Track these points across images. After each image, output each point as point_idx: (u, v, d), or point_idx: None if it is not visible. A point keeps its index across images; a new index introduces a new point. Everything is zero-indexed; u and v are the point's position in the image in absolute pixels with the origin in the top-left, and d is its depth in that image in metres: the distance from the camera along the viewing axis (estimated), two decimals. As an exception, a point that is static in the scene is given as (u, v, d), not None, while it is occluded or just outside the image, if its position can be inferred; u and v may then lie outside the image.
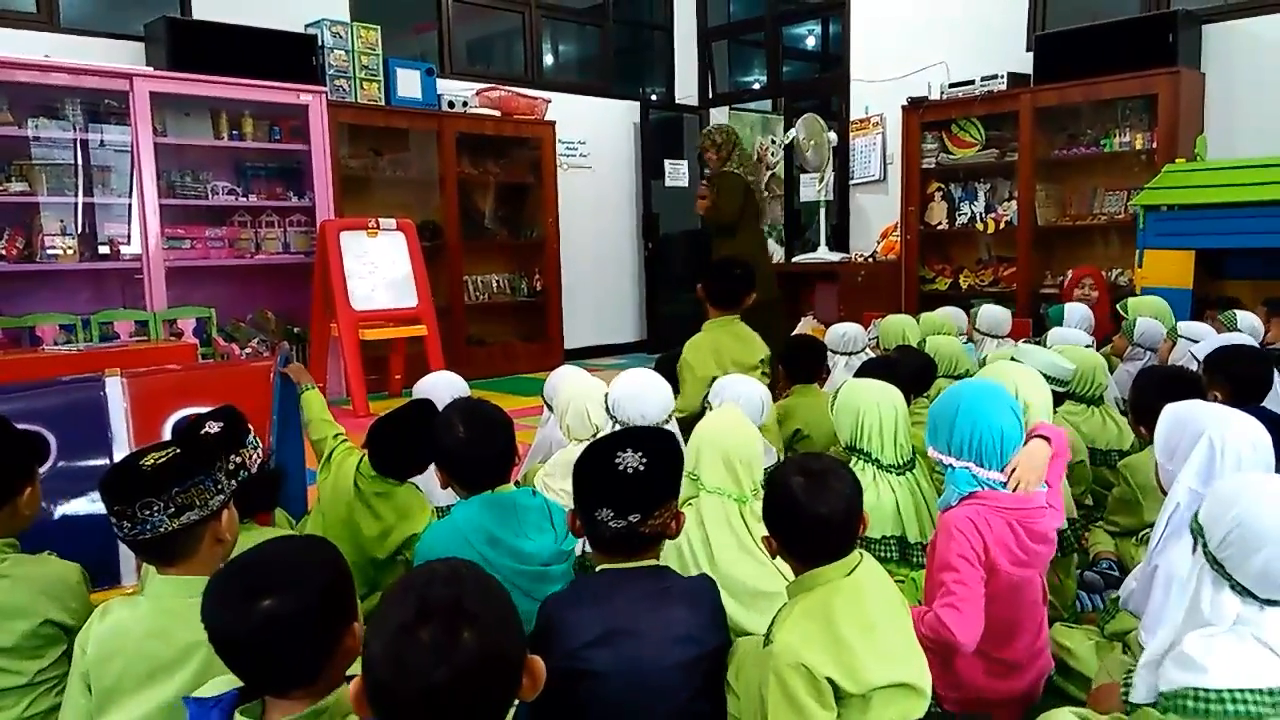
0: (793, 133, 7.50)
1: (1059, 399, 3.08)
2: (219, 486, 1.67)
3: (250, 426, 2.10)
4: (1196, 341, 3.57)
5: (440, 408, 2.31)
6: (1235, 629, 1.42)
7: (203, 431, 2.02)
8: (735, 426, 2.28)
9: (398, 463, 2.41)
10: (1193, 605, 1.48)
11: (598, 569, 1.77)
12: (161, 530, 1.57)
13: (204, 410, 2.16)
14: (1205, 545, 1.47)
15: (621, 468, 1.68)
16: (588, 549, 2.18)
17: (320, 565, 1.32)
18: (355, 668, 1.33)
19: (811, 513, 1.59)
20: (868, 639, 1.55)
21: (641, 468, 1.68)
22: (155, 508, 1.56)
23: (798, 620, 1.58)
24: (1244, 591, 1.42)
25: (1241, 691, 1.37)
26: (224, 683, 1.32)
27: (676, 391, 3.13)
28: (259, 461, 2.07)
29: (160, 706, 1.52)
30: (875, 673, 1.53)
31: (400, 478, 2.43)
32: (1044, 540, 1.97)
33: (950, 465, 2.01)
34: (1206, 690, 1.39)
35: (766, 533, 1.70)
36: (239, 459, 2.01)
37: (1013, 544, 1.92)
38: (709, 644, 1.72)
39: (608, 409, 2.74)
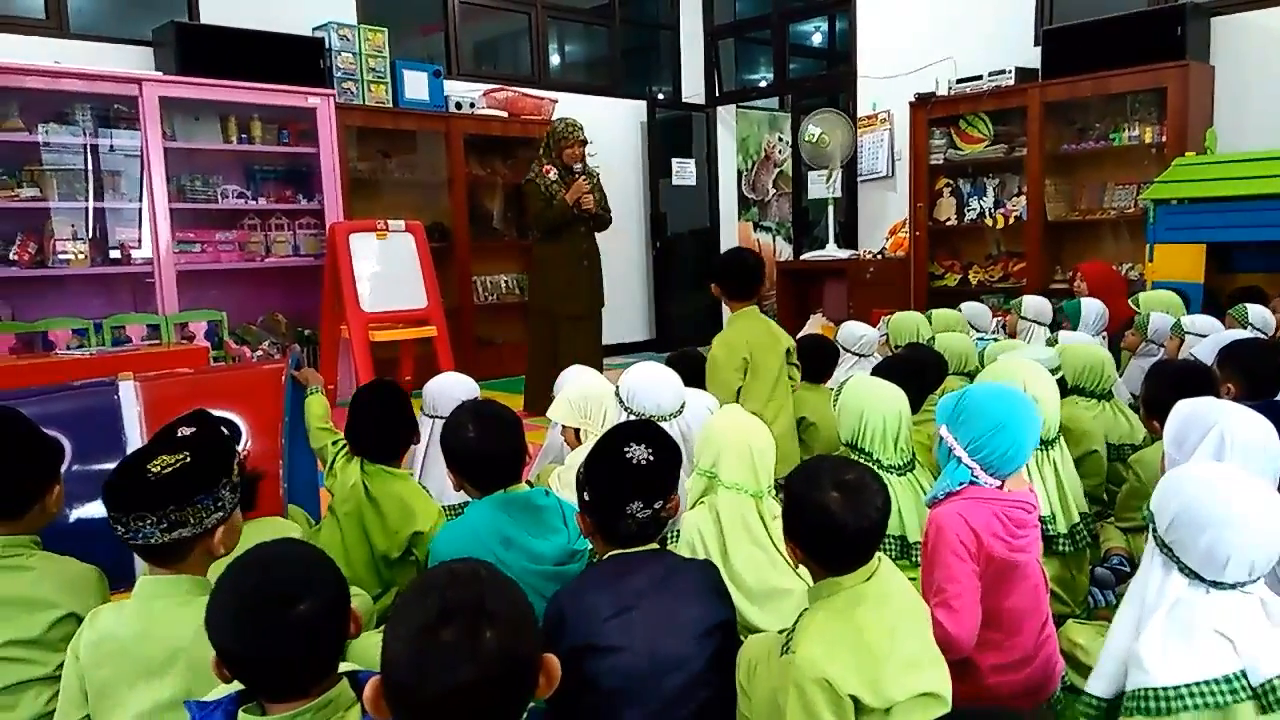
0: (815, 129, 7.47)
1: (1062, 391, 3.09)
2: (219, 504, 1.62)
3: (224, 430, 2.08)
4: (1203, 337, 3.56)
5: (445, 407, 2.34)
6: (1175, 613, 1.46)
7: (178, 435, 2.00)
8: (752, 423, 2.30)
9: (379, 443, 2.49)
10: (1140, 589, 1.53)
11: (604, 557, 1.80)
12: (152, 541, 1.57)
13: (237, 412, 2.15)
14: (1155, 529, 1.52)
15: (636, 461, 1.73)
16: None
17: (322, 558, 1.34)
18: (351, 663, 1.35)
19: (855, 529, 1.57)
20: (891, 648, 1.54)
21: (651, 457, 1.75)
22: (148, 521, 1.55)
23: (821, 630, 1.56)
24: (1192, 574, 1.46)
25: (1198, 684, 1.40)
26: (226, 686, 1.31)
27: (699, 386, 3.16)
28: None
29: (154, 706, 1.53)
30: (898, 686, 1.52)
31: (388, 457, 2.49)
32: (1025, 526, 2.00)
33: (957, 456, 2.01)
34: (1162, 689, 1.41)
35: (782, 534, 1.70)
36: None
37: (1001, 531, 1.94)
38: (717, 617, 1.75)
39: (621, 400, 2.75)
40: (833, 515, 1.57)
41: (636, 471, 1.73)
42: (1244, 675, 1.40)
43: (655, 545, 1.81)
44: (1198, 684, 1.40)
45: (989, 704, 1.87)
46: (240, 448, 2.11)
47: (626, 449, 1.76)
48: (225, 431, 2.05)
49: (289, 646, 1.23)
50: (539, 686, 1.12)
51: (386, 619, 1.13)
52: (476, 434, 2.14)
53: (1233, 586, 1.44)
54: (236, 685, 1.29)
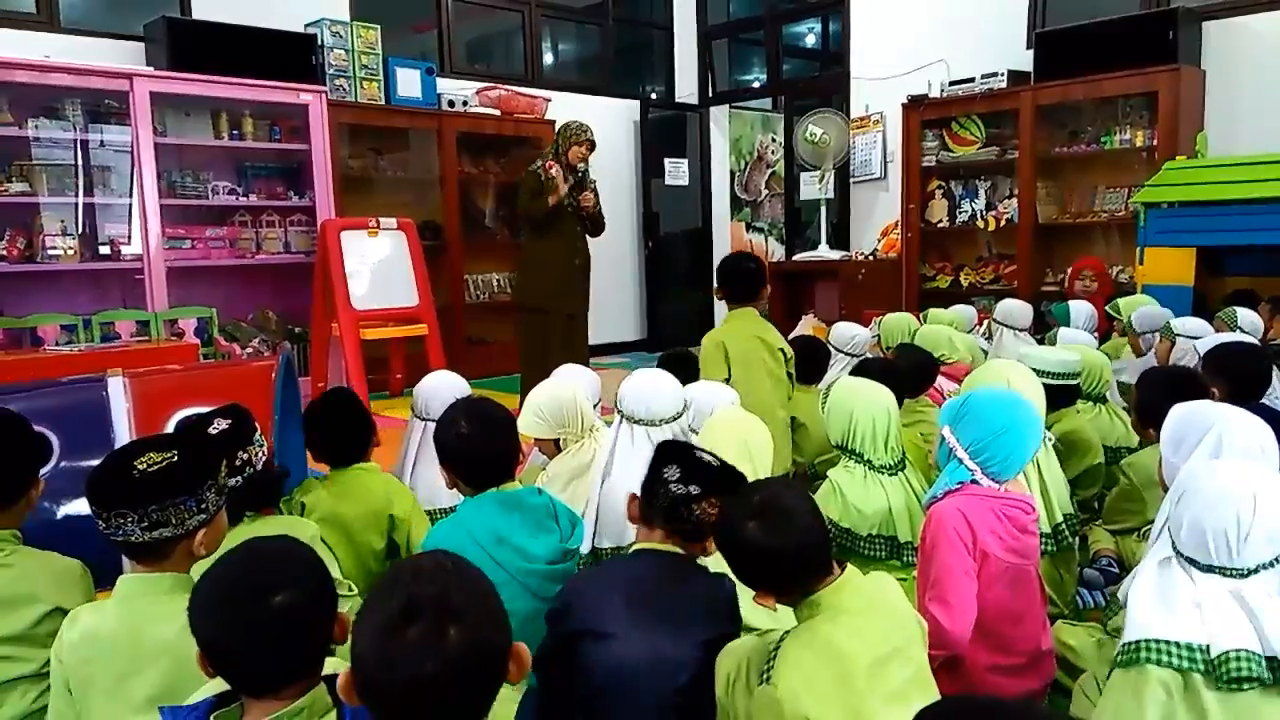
0: (816, 129, 7.48)
1: (1071, 397, 3.09)
2: (202, 505, 1.61)
3: (257, 424, 2.11)
4: (1197, 339, 3.57)
5: (436, 410, 2.36)
6: (1162, 579, 1.52)
7: (209, 429, 2.02)
8: (750, 420, 2.35)
9: (345, 448, 2.58)
10: (1144, 562, 1.61)
11: (631, 549, 1.84)
12: (132, 539, 1.56)
13: (211, 408, 2.17)
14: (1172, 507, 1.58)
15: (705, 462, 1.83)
16: (597, 544, 2.31)
17: (310, 556, 1.34)
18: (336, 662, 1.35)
19: (786, 546, 1.51)
20: (875, 681, 1.47)
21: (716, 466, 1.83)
22: (129, 519, 1.54)
23: (800, 660, 1.48)
24: (1179, 550, 1.52)
25: (1164, 642, 1.46)
26: (203, 690, 1.31)
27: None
28: (264, 459, 2.08)
29: (138, 703, 1.52)
30: (892, 717, 1.45)
31: (354, 460, 2.57)
32: (1024, 528, 2.01)
33: (959, 458, 2.02)
34: (1133, 641, 1.48)
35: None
36: (245, 455, 2.02)
37: (1001, 531, 1.96)
38: (721, 630, 1.74)
39: (617, 407, 2.74)
40: (761, 544, 1.51)
41: (692, 457, 1.82)
42: (1208, 649, 1.44)
43: (680, 550, 1.81)
44: (1164, 641, 1.45)
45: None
46: (262, 446, 2.11)
47: (700, 453, 1.85)
48: (256, 429, 2.07)
49: (266, 636, 1.23)
50: (510, 673, 1.14)
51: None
52: (470, 431, 2.14)
53: (1219, 572, 1.47)
54: (219, 685, 1.29)
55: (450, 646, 1.05)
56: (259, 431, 2.11)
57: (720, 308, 3.96)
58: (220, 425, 2.03)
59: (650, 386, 2.71)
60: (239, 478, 1.99)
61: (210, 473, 1.64)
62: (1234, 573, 1.46)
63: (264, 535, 1.37)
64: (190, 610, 1.27)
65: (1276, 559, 1.47)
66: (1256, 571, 1.46)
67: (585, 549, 2.42)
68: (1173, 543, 1.53)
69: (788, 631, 1.56)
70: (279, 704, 1.24)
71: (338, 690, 1.13)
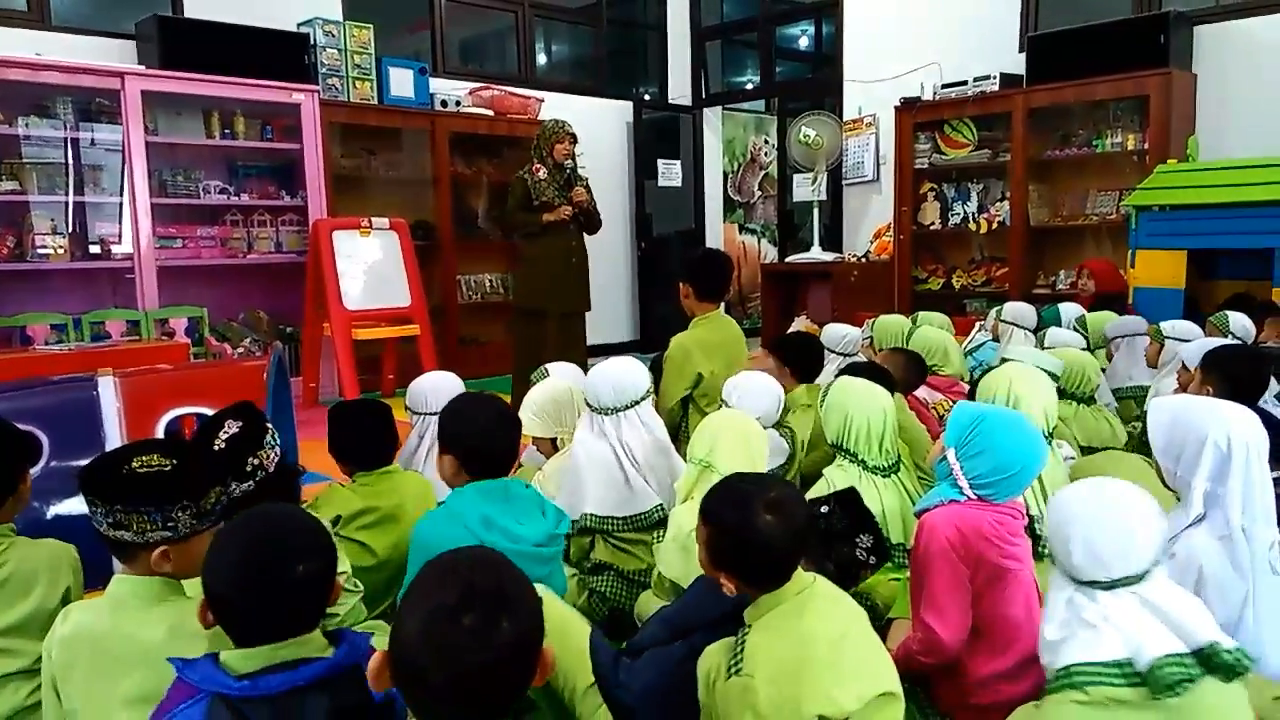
0: (810, 130, 7.49)
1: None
2: (169, 523, 1.56)
3: (270, 425, 2.10)
4: (1187, 340, 3.58)
5: (438, 405, 2.39)
6: (1071, 608, 1.51)
7: (221, 432, 2.01)
8: (749, 421, 2.38)
9: (376, 453, 2.56)
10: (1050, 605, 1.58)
11: None
12: (100, 530, 1.58)
13: (217, 410, 2.16)
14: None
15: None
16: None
17: (318, 525, 1.41)
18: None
19: (792, 545, 1.57)
20: (842, 654, 1.53)
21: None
22: (98, 510, 1.56)
23: (772, 647, 1.53)
24: (1065, 573, 1.53)
25: (1086, 665, 1.45)
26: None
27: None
28: (277, 460, 2.07)
29: (122, 704, 1.52)
30: (856, 691, 1.51)
31: (379, 465, 2.55)
32: (1015, 533, 2.00)
33: (959, 484, 1.98)
34: (1060, 668, 1.48)
35: (708, 566, 1.64)
36: (256, 460, 2.01)
37: (993, 535, 1.94)
38: None
39: (588, 402, 2.75)
40: (773, 535, 1.54)
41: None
42: (1130, 662, 1.44)
43: None
44: (1089, 664, 1.45)
45: (986, 713, 1.86)
46: (274, 447, 2.09)
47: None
48: (268, 429, 2.06)
49: (287, 601, 1.31)
50: (534, 676, 1.16)
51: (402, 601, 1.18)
52: (485, 425, 2.18)
53: (1122, 584, 1.47)
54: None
55: (501, 638, 1.08)
56: (270, 432, 2.09)
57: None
58: (231, 429, 2.02)
59: (621, 376, 2.74)
60: (250, 482, 1.99)
61: (190, 494, 1.60)
62: (1134, 579, 1.47)
63: (275, 505, 1.45)
64: (207, 565, 1.32)
65: (1157, 558, 1.49)
66: (1150, 572, 1.48)
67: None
68: (1069, 577, 1.52)
69: (749, 626, 1.60)
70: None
71: (367, 676, 1.15)
